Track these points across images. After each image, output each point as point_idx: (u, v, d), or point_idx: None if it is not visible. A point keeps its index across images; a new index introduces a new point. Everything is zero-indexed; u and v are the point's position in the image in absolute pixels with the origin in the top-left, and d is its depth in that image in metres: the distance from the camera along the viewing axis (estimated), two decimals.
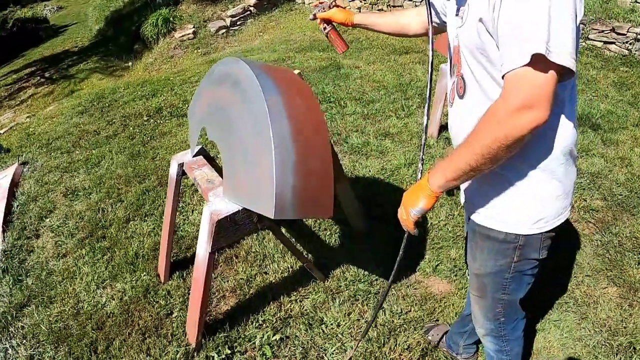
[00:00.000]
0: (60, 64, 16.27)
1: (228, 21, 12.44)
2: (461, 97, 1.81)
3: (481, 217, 1.88)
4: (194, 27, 12.37)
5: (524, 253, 1.85)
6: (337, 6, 2.59)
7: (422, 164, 1.91)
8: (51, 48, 19.32)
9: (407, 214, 1.76)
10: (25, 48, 20.52)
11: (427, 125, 1.90)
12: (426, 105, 1.85)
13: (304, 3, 13.18)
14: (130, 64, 13.47)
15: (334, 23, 2.63)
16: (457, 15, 1.75)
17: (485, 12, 1.50)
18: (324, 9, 2.59)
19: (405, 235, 1.93)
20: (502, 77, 1.44)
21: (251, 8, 12.93)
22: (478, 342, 2.74)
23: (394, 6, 10.84)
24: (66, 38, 20.57)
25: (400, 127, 5.53)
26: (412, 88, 6.73)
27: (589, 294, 3.29)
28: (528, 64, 1.35)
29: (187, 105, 7.05)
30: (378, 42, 9.24)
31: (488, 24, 1.51)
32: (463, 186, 1.98)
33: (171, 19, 12.67)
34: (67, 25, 23.26)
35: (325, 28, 2.64)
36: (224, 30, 12.34)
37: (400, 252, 2.07)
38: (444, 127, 5.32)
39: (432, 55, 1.88)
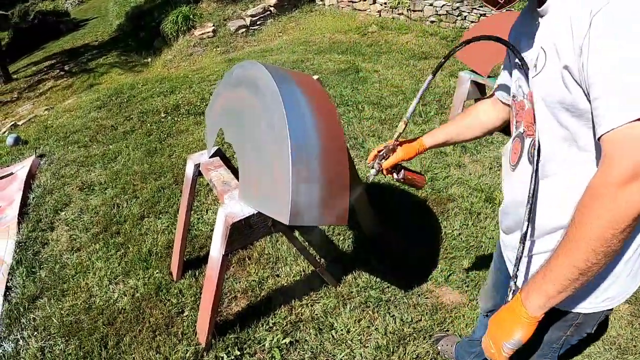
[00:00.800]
0: (80, 58, 16.40)
1: (248, 20, 12.47)
2: (532, 161, 1.51)
3: None
4: (213, 25, 12.41)
5: (579, 330, 1.64)
6: (402, 143, 2.14)
7: (514, 281, 1.50)
8: (71, 41, 19.49)
9: (499, 348, 1.42)
10: (45, 40, 20.71)
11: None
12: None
13: (324, 4, 13.19)
14: (149, 60, 13.54)
15: (403, 163, 2.18)
16: (520, 64, 1.54)
17: (570, 58, 1.25)
18: (386, 155, 2.14)
19: None
20: (598, 139, 1.17)
21: (271, 8, 12.95)
22: None
23: (414, 10, 10.81)
24: (86, 32, 20.73)
25: (418, 133, 5.51)
26: (430, 94, 6.72)
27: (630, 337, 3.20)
28: (637, 119, 1.08)
29: (205, 104, 7.07)
30: (397, 47, 9.24)
31: (574, 71, 1.25)
32: (510, 248, 1.79)
33: (191, 16, 12.72)
34: (88, 19, 23.45)
35: (396, 175, 2.19)
36: (243, 30, 12.37)
37: None
38: None
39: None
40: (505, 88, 1.85)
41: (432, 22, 10.53)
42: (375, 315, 3.17)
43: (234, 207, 2.47)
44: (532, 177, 1.45)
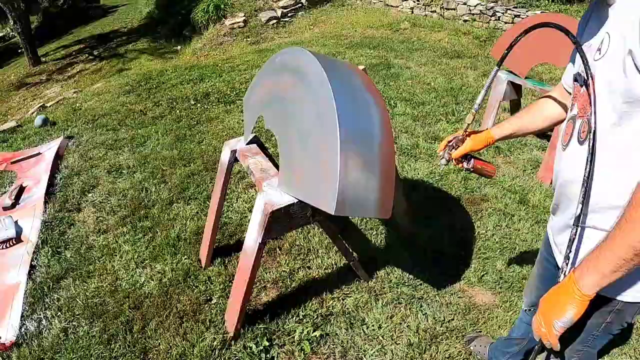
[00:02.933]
0: (110, 43, 16.51)
1: (279, 12, 12.43)
2: (582, 142, 1.55)
3: None
4: (244, 15, 12.38)
5: (619, 317, 1.66)
6: (470, 134, 2.18)
7: (567, 262, 1.53)
8: (101, 27, 19.62)
9: (549, 326, 1.45)
10: (74, 26, 20.86)
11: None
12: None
13: None
14: (179, 47, 13.55)
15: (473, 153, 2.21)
16: (590, 46, 1.55)
17: (634, 43, 1.27)
18: (455, 145, 2.17)
19: (537, 346, 1.62)
20: None
21: (303, 1, 12.90)
22: None
23: (447, 9, 10.71)
24: (116, 18, 20.86)
25: (451, 131, 5.44)
26: (463, 93, 6.64)
27: None
28: None
29: (235, 93, 7.06)
30: (429, 44, 9.16)
31: (637, 57, 1.27)
32: (556, 230, 1.82)
33: (222, 6, 12.69)
34: (117, 6, 23.58)
35: (466, 164, 2.20)
36: (274, 21, 12.34)
37: None
38: None
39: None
40: (570, 79, 1.82)
41: (465, 21, 10.42)
42: (408, 312, 3.11)
43: (273, 195, 2.42)
44: (587, 159, 1.44)
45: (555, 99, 2.04)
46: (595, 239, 1.47)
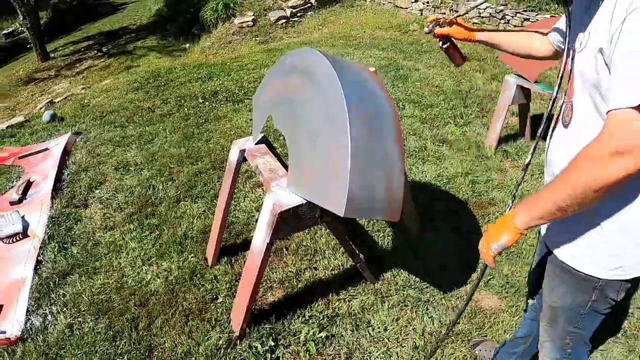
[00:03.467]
0: (118, 40, 16.54)
1: (288, 12, 12.44)
2: (566, 125, 1.74)
3: (566, 254, 1.82)
4: (253, 14, 12.39)
5: (603, 293, 1.79)
6: (458, 24, 2.43)
7: (512, 200, 1.91)
8: (109, 24, 19.64)
9: (488, 247, 1.71)
10: (83, 22, 20.89)
11: (529, 162, 1.90)
12: (532, 146, 1.86)
13: (365, 0, 13.10)
14: (187, 45, 13.57)
15: (452, 39, 2.49)
16: (574, 39, 1.69)
17: (605, 43, 1.43)
18: (441, 25, 2.45)
19: (483, 267, 1.92)
20: (607, 113, 1.37)
21: (312, 1, 12.90)
22: None
23: (456, 11, 10.69)
24: (124, 15, 20.87)
25: (459, 134, 5.43)
26: (471, 96, 6.62)
27: (638, 326, 3.14)
28: (635, 107, 1.28)
29: (243, 92, 7.07)
30: (438, 47, 9.10)
31: (606, 56, 1.44)
32: None
33: (231, 4, 12.70)
34: (126, 3, 23.60)
35: (443, 43, 2.50)
36: (283, 21, 12.34)
37: (477, 283, 2.07)
38: (502, 139, 5.21)
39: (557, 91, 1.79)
40: (558, 33, 2.06)
41: (474, 23, 10.37)
42: (413, 315, 3.11)
43: (282, 195, 2.42)
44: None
45: (544, 39, 2.21)
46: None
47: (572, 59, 1.70)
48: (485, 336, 3.03)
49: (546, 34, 2.18)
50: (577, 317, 1.91)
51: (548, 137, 1.89)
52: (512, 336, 2.70)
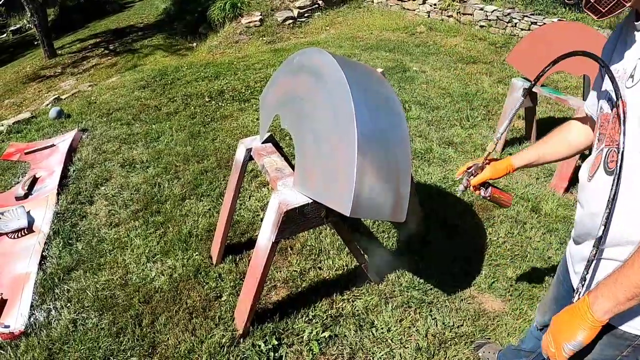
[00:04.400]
0: (125, 38, 16.54)
1: (295, 12, 12.43)
2: (611, 172, 1.48)
3: None
4: (261, 14, 12.39)
5: (636, 353, 1.58)
6: (490, 161, 2.17)
7: (582, 283, 1.51)
8: (117, 22, 19.65)
9: (559, 347, 1.43)
10: (91, 20, 20.92)
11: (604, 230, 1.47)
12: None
13: (372, 1, 13.11)
14: (194, 44, 13.58)
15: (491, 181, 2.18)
16: (618, 72, 1.50)
17: None
18: (474, 173, 2.16)
19: None
20: None
21: (319, 1, 12.90)
22: None
23: (464, 14, 10.69)
24: (132, 13, 20.89)
25: (465, 137, 5.42)
26: (478, 99, 6.60)
27: None
28: None
29: (249, 91, 7.07)
30: (445, 49, 9.12)
31: None
32: (577, 259, 1.76)
33: (239, 4, 12.70)
34: (133, 1, 23.63)
35: (484, 192, 2.19)
36: (290, 21, 12.33)
37: None
38: (508, 142, 5.21)
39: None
40: (594, 105, 1.78)
41: (481, 26, 10.38)
42: (417, 316, 3.11)
43: (287, 194, 2.42)
44: (613, 182, 1.40)
45: (578, 126, 2.00)
46: (610, 269, 1.44)
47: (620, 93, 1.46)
48: (489, 338, 3.02)
49: (581, 118, 1.98)
50: None
51: (580, 192, 1.71)
52: (517, 345, 2.63)
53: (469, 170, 2.17)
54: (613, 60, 1.56)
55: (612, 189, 1.40)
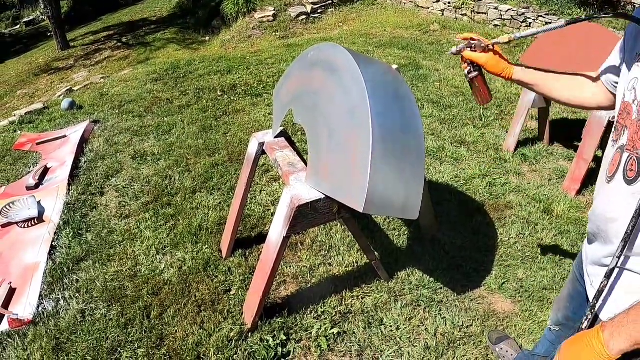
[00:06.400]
0: (138, 31, 16.62)
1: (309, 8, 12.43)
2: (630, 181, 1.39)
3: None
4: (274, 9, 12.40)
5: None
6: (495, 52, 1.98)
7: (591, 310, 1.44)
8: (130, 15, 19.75)
9: None
10: (103, 12, 21.04)
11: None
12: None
13: None
14: (207, 38, 13.61)
15: (483, 69, 2.04)
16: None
17: None
18: (474, 47, 1.99)
19: None
20: None
21: None
22: None
23: (478, 12, 10.64)
24: (145, 7, 20.98)
25: (477, 136, 5.39)
26: None
27: None
28: None
29: (262, 86, 7.07)
30: (464, 74, 9.07)
31: None
32: (590, 260, 1.70)
33: None
34: None
35: (470, 72, 2.05)
36: (304, 17, 12.33)
37: None
38: (521, 143, 5.17)
39: None
40: (612, 73, 1.68)
41: (495, 25, 10.32)
42: (426, 315, 3.08)
43: (300, 189, 2.41)
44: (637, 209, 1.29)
45: (593, 90, 1.83)
46: (631, 282, 1.41)
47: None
48: (508, 334, 2.99)
49: (597, 78, 1.80)
50: None
51: (598, 189, 1.62)
52: (532, 350, 2.60)
53: (471, 42, 1.99)
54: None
55: (632, 219, 1.31)
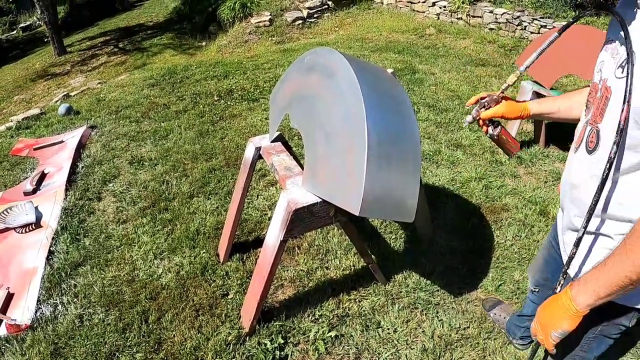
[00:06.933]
0: (134, 37, 16.61)
1: (305, 12, 12.44)
2: (590, 151, 1.52)
3: None
4: (270, 14, 12.41)
5: (616, 320, 1.69)
6: (506, 98, 2.01)
7: (563, 276, 1.58)
8: (126, 20, 19.75)
9: (547, 335, 1.52)
10: (100, 17, 21.02)
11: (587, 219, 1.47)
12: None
13: (382, 3, 13.09)
14: (203, 43, 13.61)
15: (502, 121, 2.06)
16: (614, 56, 1.47)
17: None
18: (487, 105, 1.99)
19: (534, 343, 1.74)
20: None
21: (329, 2, 12.90)
22: None
23: (474, 16, 10.66)
24: (141, 12, 20.99)
25: (473, 139, 5.40)
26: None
27: None
28: None
29: (258, 91, 7.08)
30: (454, 51, 9.09)
31: None
32: (561, 227, 1.83)
33: (248, 4, 12.72)
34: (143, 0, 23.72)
35: (492, 130, 2.04)
36: (300, 21, 12.34)
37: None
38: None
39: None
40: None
41: (491, 29, 10.33)
42: (423, 317, 3.10)
43: (297, 193, 2.42)
44: (603, 173, 1.38)
45: None
46: (598, 245, 1.58)
47: (606, 78, 1.47)
48: (500, 300, 3.16)
49: None
50: (583, 340, 1.81)
51: (568, 160, 1.73)
52: (520, 312, 2.79)
53: (482, 101, 2.00)
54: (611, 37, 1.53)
55: (598, 187, 1.41)
